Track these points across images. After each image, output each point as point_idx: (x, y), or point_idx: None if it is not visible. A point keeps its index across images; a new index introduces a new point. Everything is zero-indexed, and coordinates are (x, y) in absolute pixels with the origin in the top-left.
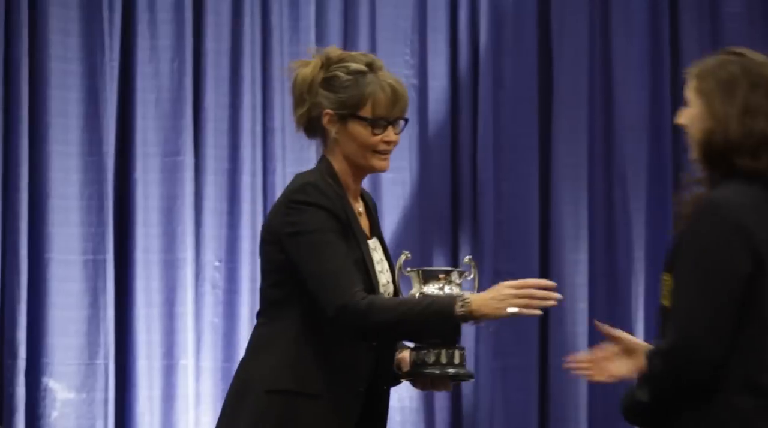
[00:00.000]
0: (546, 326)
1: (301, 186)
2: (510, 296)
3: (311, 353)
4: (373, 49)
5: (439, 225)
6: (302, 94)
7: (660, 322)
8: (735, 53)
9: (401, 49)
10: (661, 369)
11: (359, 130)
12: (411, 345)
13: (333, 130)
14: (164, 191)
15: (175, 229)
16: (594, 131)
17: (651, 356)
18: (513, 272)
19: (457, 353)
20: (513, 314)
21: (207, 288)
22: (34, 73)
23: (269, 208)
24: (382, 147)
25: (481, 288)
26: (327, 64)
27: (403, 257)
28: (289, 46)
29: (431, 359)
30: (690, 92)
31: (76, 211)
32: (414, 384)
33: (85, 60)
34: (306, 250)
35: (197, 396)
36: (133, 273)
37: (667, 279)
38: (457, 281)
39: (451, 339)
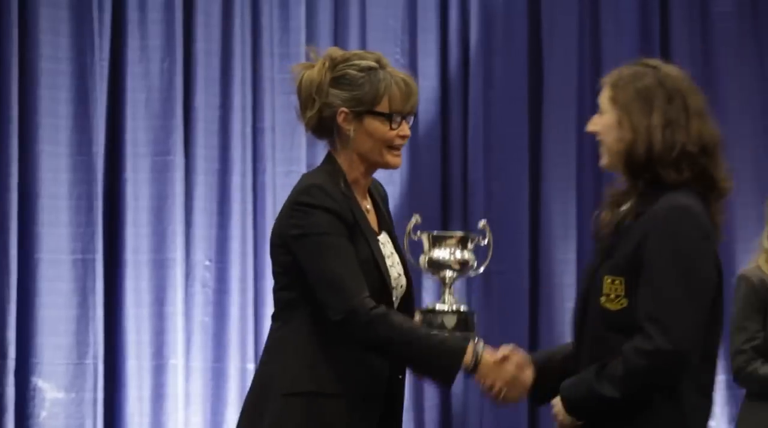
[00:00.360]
0: (535, 325)
1: (306, 187)
2: (511, 383)
3: (327, 353)
4: (363, 49)
5: (429, 225)
6: (311, 96)
7: (598, 324)
8: (650, 65)
9: (392, 49)
10: (644, 368)
11: (376, 125)
12: (422, 308)
13: (350, 128)
14: (154, 191)
15: (165, 229)
16: (584, 131)
17: (631, 354)
18: (503, 272)
19: (463, 318)
20: (499, 400)
21: (197, 287)
22: (24, 73)
23: (259, 208)
24: (398, 141)
25: (474, 287)
26: (332, 64)
27: (413, 221)
28: (279, 47)
29: (437, 322)
30: (604, 101)
31: (66, 211)
32: None
33: (75, 60)
34: (312, 252)
35: (187, 396)
36: (123, 272)
37: (617, 282)
38: (470, 246)
39: (446, 382)
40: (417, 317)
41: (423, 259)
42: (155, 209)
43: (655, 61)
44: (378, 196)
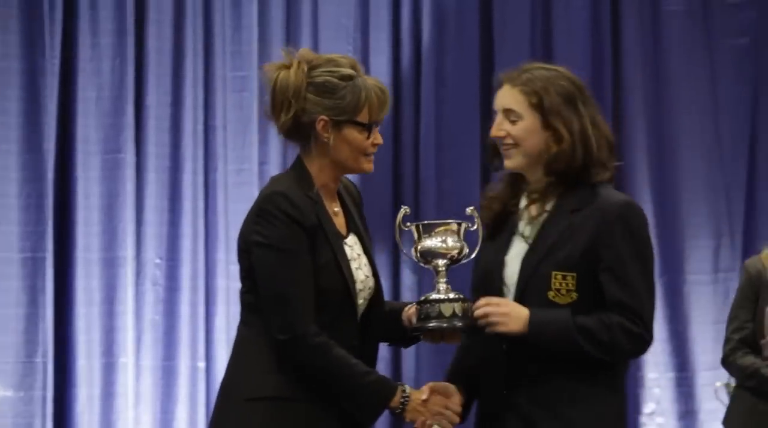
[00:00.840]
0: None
1: (269, 195)
2: (441, 415)
3: None
4: (315, 47)
5: (381, 224)
6: (287, 99)
7: None
8: (551, 68)
9: (344, 47)
10: (626, 348)
11: (355, 135)
12: (418, 300)
13: (329, 137)
14: (105, 189)
15: (116, 227)
16: None
17: (620, 332)
18: (453, 269)
19: (459, 306)
20: None
21: (147, 286)
22: None
23: (210, 206)
24: (371, 149)
25: (425, 284)
26: (309, 67)
27: (402, 212)
28: (231, 45)
29: (434, 312)
30: (519, 106)
31: (16, 209)
32: (425, 338)
33: (25, 58)
34: (268, 265)
35: (137, 394)
36: (73, 271)
37: (568, 278)
38: (461, 233)
39: (367, 420)
40: (412, 310)
41: (414, 250)
42: (106, 207)
43: (549, 64)
44: (348, 198)
